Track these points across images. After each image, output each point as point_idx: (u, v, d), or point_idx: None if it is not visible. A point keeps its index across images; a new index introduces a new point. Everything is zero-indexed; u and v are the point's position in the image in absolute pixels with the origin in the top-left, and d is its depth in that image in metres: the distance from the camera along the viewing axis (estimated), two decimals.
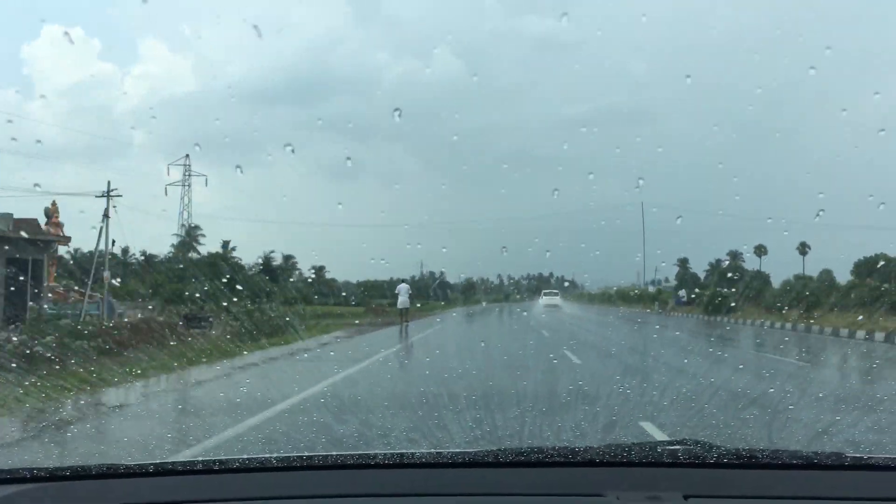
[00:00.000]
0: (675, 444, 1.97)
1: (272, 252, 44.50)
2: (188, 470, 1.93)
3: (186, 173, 55.45)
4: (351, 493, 1.81)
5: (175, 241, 51.88)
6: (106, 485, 1.89)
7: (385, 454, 1.96)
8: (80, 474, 1.90)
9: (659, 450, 1.94)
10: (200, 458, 2.16)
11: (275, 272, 39.85)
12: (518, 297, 55.25)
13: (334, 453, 2.09)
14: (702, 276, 59.55)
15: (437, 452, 2.12)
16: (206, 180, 55.61)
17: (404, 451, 2.00)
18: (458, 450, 2.17)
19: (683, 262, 58.94)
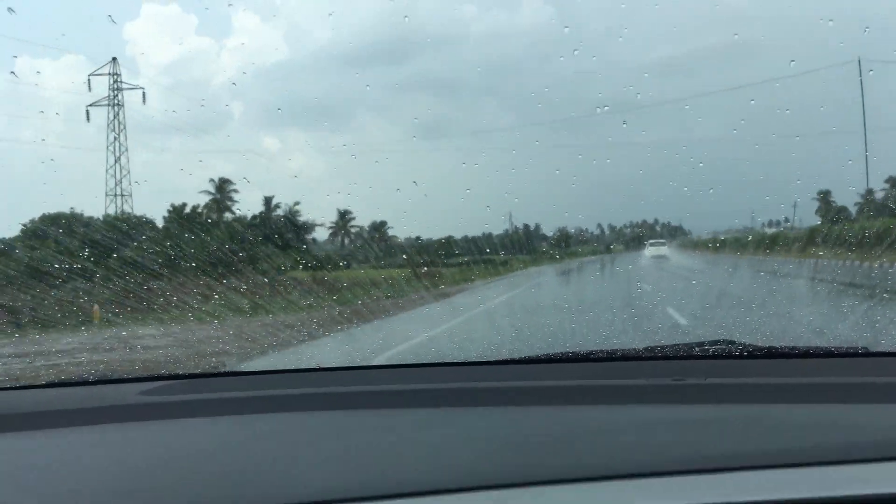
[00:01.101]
0: (704, 343, 2.25)
1: (297, 204, 40.51)
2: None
3: (114, 86, 34.13)
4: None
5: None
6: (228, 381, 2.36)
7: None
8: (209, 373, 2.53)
9: (688, 345, 2.25)
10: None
11: (298, 228, 36.63)
12: (620, 247, 50.10)
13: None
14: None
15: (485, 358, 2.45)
16: (144, 94, 35.65)
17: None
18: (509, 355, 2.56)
19: (825, 196, 50.36)
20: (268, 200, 39.87)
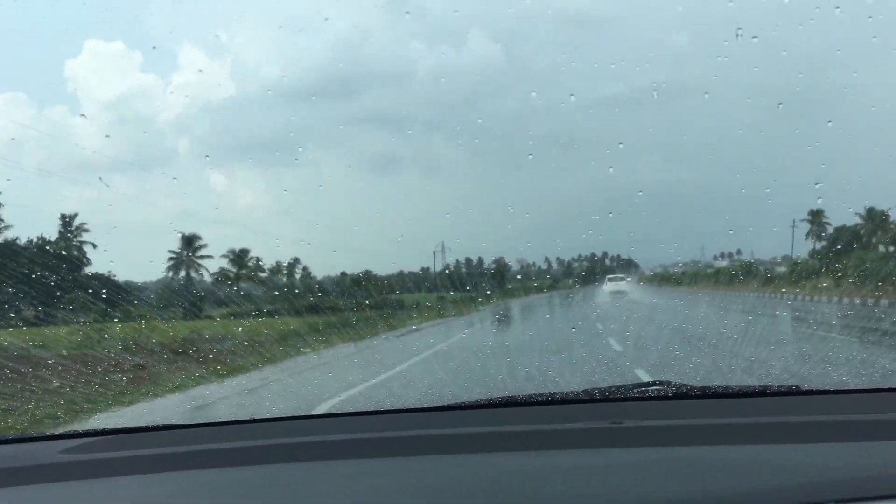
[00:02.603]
0: (641, 385, 2.31)
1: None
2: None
3: None
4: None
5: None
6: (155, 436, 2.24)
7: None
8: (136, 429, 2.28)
9: (626, 387, 2.28)
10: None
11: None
12: (570, 282, 46.26)
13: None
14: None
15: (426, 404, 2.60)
16: None
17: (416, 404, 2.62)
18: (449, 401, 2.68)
19: (817, 215, 45.87)
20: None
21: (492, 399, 2.28)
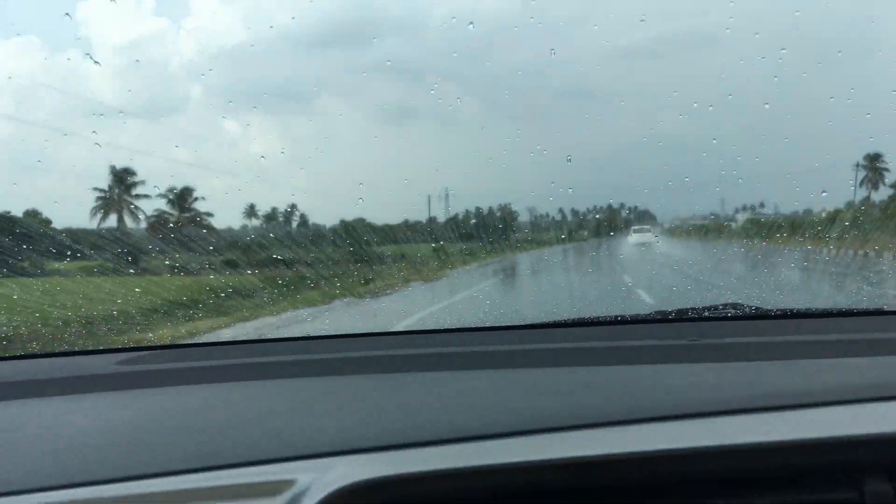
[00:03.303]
0: (715, 307, 2.22)
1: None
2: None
3: None
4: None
5: None
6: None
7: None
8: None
9: (698, 308, 2.23)
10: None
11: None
12: (585, 235, 42.71)
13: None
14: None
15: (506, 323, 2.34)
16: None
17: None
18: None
19: (873, 160, 41.88)
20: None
21: (559, 320, 2.26)
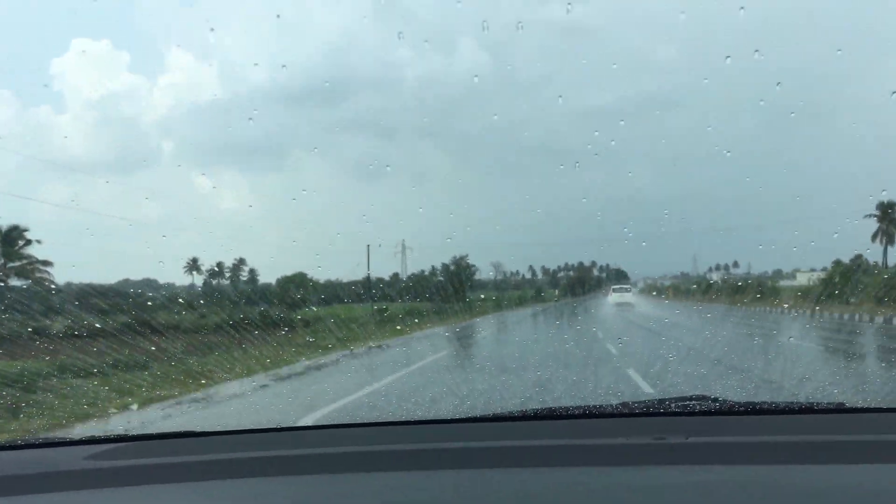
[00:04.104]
0: (683, 399, 2.18)
1: None
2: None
3: None
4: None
5: None
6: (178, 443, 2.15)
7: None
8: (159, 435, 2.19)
9: (665, 401, 2.17)
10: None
11: None
12: (555, 295, 39.42)
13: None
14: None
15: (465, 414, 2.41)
16: None
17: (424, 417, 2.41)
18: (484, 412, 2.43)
19: (886, 209, 41.91)
20: None
21: (525, 411, 2.21)
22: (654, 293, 40.86)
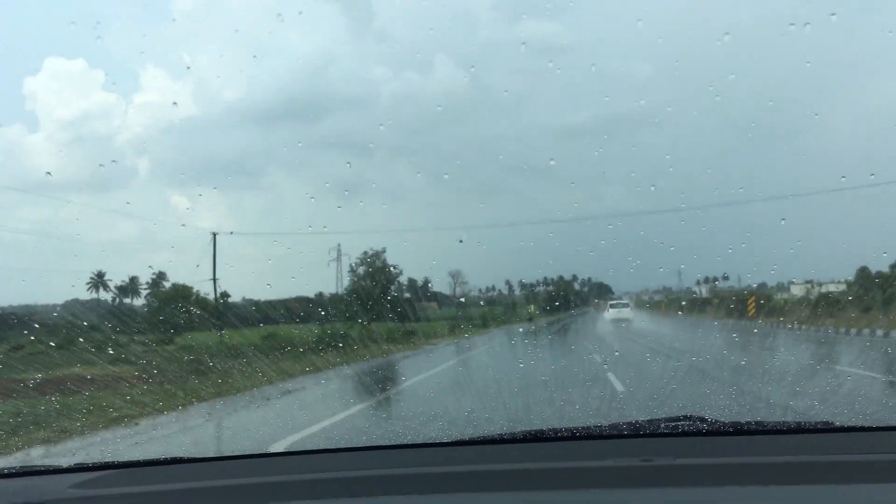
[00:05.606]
0: (671, 420, 2.16)
1: None
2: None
3: None
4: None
5: None
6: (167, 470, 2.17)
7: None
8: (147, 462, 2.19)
9: (654, 422, 2.15)
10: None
11: None
12: (533, 312, 35.50)
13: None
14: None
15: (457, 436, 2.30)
16: None
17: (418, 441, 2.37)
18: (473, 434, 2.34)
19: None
20: None
21: (514, 433, 2.19)
22: (648, 307, 39.07)
